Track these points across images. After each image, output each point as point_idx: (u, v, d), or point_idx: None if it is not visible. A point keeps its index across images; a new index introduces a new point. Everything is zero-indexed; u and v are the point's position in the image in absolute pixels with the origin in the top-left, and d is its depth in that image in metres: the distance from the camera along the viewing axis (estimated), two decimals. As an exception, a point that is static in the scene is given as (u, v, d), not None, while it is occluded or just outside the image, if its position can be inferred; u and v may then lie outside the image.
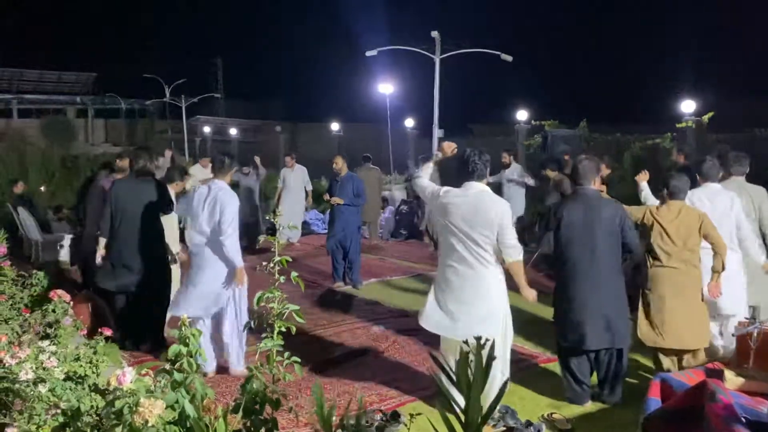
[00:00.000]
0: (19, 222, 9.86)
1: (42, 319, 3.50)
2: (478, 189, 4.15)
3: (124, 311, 5.53)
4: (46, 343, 2.97)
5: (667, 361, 4.69)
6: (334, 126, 23.29)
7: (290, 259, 2.92)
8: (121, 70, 36.84)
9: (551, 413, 4.29)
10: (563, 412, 4.32)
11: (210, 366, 4.99)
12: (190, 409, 2.32)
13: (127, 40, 52.71)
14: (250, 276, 4.94)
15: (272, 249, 2.87)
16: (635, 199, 5.69)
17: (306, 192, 11.62)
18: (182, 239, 6.15)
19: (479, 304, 4.09)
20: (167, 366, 2.50)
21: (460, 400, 2.34)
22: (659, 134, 13.35)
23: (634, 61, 38.12)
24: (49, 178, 15.72)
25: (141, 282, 5.49)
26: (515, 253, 4.11)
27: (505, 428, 3.98)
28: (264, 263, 2.92)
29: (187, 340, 2.50)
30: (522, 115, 15.05)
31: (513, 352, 4.42)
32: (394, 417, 4.04)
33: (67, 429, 2.45)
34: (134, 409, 2.15)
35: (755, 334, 4.10)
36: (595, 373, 4.52)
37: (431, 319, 4.27)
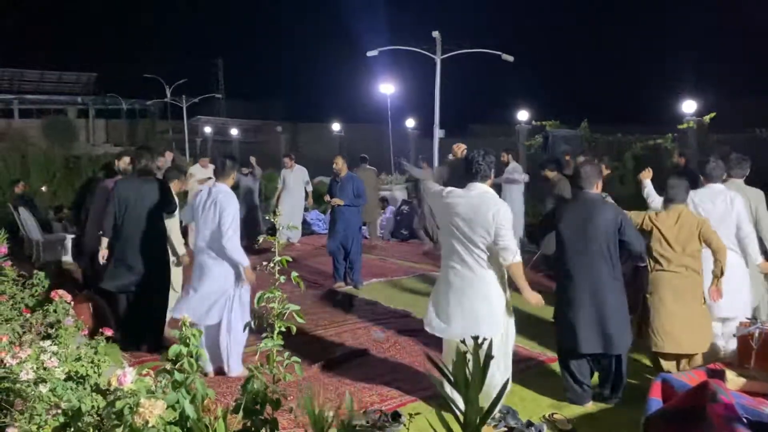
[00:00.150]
0: (20, 222, 9.86)
1: (43, 319, 3.50)
2: (480, 190, 4.14)
3: (125, 311, 5.53)
4: (47, 343, 2.97)
5: (666, 364, 4.69)
6: (335, 126, 23.30)
7: (290, 259, 2.92)
8: (122, 70, 36.90)
9: (552, 413, 4.29)
10: (564, 412, 4.32)
11: (210, 366, 4.99)
12: (189, 410, 2.31)
13: (128, 40, 52.76)
14: (251, 276, 4.93)
15: (272, 249, 2.87)
16: (636, 200, 5.69)
17: (306, 192, 11.63)
18: (185, 240, 6.16)
19: (478, 305, 4.08)
20: (168, 366, 2.50)
21: (460, 400, 2.34)
22: (660, 134, 13.33)
23: (634, 61, 38.16)
24: (50, 178, 15.75)
25: (142, 282, 5.49)
26: (509, 255, 4.01)
27: (506, 428, 3.98)
28: (264, 263, 2.92)
29: (188, 340, 2.50)
30: (523, 115, 15.03)
31: (514, 352, 4.41)
32: (395, 417, 4.04)
33: (68, 429, 2.45)
34: (134, 409, 2.15)
35: (757, 335, 4.10)
36: (596, 374, 4.52)
37: (432, 322, 4.28)
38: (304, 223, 12.30)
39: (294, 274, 2.92)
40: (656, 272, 4.69)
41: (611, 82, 33.77)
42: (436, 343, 4.56)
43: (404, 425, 3.46)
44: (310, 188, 11.72)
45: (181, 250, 5.94)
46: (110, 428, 2.25)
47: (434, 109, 13.76)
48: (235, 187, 5.17)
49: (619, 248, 4.32)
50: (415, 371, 5.09)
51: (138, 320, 5.51)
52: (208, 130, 28.09)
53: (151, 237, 5.53)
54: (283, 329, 2.72)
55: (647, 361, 5.01)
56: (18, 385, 2.49)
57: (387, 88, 15.97)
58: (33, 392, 2.47)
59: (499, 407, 4.08)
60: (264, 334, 2.73)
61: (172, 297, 5.83)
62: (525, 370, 5.02)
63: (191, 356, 2.50)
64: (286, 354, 2.72)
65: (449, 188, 4.27)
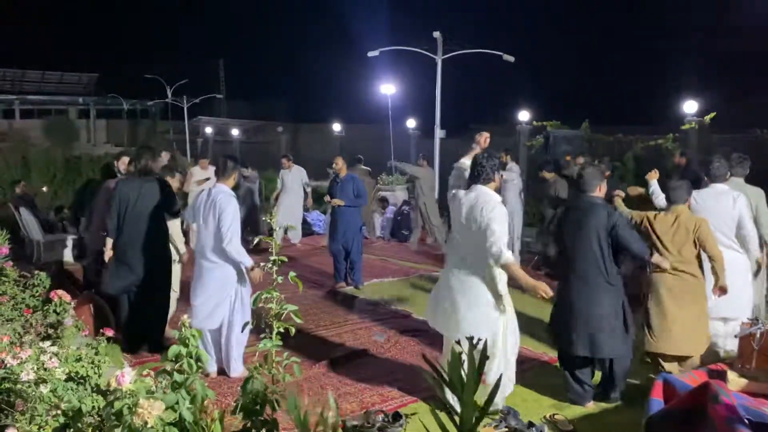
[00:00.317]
0: (20, 222, 9.87)
1: (44, 320, 3.50)
2: (479, 191, 4.20)
3: (126, 312, 5.53)
4: (48, 343, 2.97)
5: (666, 365, 4.69)
6: (336, 126, 23.26)
7: (285, 259, 2.92)
8: (123, 70, 36.94)
9: (553, 414, 4.29)
10: (565, 412, 4.32)
11: (212, 367, 4.99)
12: (186, 414, 2.30)
13: (130, 41, 52.74)
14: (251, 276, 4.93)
15: (270, 249, 2.87)
16: (636, 200, 5.70)
17: (305, 192, 11.62)
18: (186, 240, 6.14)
19: (475, 306, 4.11)
20: (168, 367, 2.50)
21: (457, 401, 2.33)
22: (661, 135, 13.31)
23: (636, 61, 38.08)
24: (51, 178, 15.77)
25: (143, 282, 5.48)
26: (497, 252, 3.92)
27: (507, 429, 3.98)
28: (263, 263, 2.92)
29: (188, 341, 2.50)
30: (524, 115, 15.01)
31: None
32: (396, 418, 4.04)
33: (69, 429, 2.45)
34: (133, 410, 2.15)
35: (758, 335, 4.09)
36: (597, 374, 4.52)
37: (431, 315, 4.45)
38: (305, 223, 12.28)
39: (292, 274, 2.91)
40: (655, 273, 4.71)
41: (612, 82, 33.73)
42: (436, 343, 4.56)
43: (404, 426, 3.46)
44: (309, 188, 11.72)
45: (182, 248, 5.94)
46: (110, 429, 2.25)
47: (435, 110, 13.75)
48: (235, 188, 5.17)
49: (619, 250, 4.32)
50: (416, 371, 5.07)
51: (139, 320, 5.51)
52: (208, 130, 28.07)
53: (152, 237, 5.52)
54: (281, 330, 2.71)
55: (648, 362, 5.00)
56: (19, 386, 2.49)
57: (388, 89, 15.92)
58: (33, 393, 2.47)
59: (500, 408, 4.09)
60: (263, 335, 2.73)
61: (172, 297, 5.84)
62: (526, 371, 5.01)
63: (191, 357, 2.49)
64: (285, 354, 2.72)
65: (455, 191, 4.41)
